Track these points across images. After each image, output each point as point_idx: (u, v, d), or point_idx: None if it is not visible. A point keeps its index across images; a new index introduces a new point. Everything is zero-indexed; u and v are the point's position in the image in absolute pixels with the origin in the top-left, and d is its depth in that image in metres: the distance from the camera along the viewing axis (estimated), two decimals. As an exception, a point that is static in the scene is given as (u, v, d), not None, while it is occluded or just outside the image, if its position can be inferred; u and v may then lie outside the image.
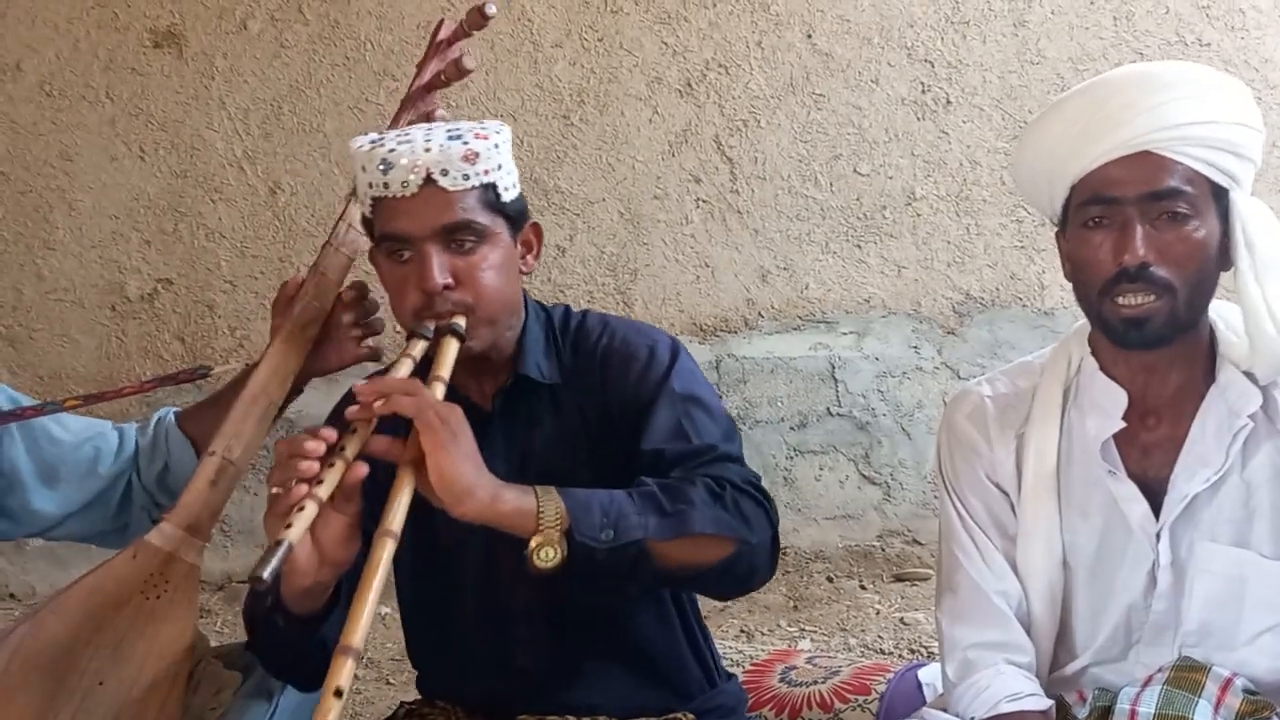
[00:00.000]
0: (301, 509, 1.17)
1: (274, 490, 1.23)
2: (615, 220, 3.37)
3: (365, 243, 1.51)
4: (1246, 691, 1.31)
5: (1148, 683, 1.31)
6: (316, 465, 1.20)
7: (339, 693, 1.07)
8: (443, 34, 1.59)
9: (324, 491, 1.19)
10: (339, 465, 1.21)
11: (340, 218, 1.57)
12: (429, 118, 1.54)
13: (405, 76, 3.28)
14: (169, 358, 3.33)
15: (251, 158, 3.32)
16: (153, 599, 1.39)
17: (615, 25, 3.32)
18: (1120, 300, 1.28)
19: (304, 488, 1.20)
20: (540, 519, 1.24)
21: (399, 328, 1.44)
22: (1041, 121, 1.39)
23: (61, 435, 1.60)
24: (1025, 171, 1.43)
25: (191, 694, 1.48)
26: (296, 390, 1.56)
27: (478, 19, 1.53)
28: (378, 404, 1.24)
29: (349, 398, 1.49)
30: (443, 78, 1.57)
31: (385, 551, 1.17)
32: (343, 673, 1.09)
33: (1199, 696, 1.27)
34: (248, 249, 3.34)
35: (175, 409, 1.68)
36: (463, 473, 1.22)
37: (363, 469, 1.23)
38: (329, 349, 1.56)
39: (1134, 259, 1.26)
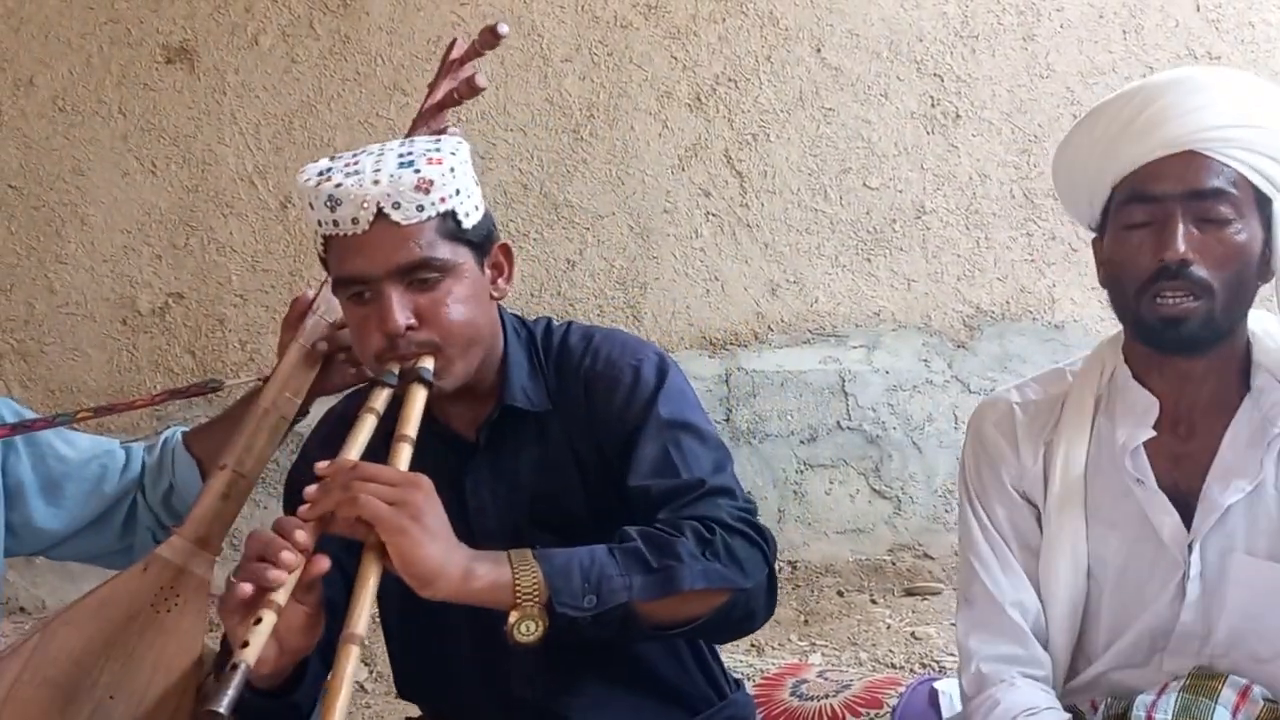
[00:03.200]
0: (259, 621, 1.11)
1: (236, 583, 1.16)
2: (625, 234, 3.38)
3: None
4: (1266, 700, 1.29)
5: (1163, 689, 1.30)
6: (284, 575, 1.14)
7: None
8: (455, 53, 1.59)
9: (282, 597, 1.13)
10: (297, 564, 1.15)
11: None
12: (440, 135, 1.54)
13: (416, 91, 3.31)
14: (180, 371, 3.33)
15: (262, 172, 3.33)
16: (163, 612, 1.39)
17: (625, 40, 3.33)
18: (1158, 300, 1.26)
19: (262, 594, 1.14)
20: (517, 592, 1.17)
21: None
22: (1083, 124, 1.36)
23: (68, 452, 1.59)
24: (1065, 175, 1.40)
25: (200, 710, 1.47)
26: (304, 410, 1.56)
27: (490, 38, 1.53)
28: (326, 506, 1.17)
29: (331, 428, 1.46)
30: (455, 96, 1.58)
31: (351, 661, 1.09)
32: None
33: (1216, 702, 1.26)
34: (258, 263, 3.35)
35: (183, 428, 1.68)
36: (427, 555, 1.14)
37: (323, 563, 1.17)
38: (334, 368, 1.55)
39: (1175, 255, 1.24)
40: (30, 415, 1.56)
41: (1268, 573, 1.30)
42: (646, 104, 3.35)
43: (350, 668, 1.09)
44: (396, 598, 1.37)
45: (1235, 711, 1.26)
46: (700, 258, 3.40)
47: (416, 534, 1.14)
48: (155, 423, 3.17)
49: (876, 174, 3.40)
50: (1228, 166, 1.26)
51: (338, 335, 1.52)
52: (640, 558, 1.21)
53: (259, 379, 1.55)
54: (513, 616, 1.17)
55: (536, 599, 1.17)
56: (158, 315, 3.34)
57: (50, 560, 2.57)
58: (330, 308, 1.53)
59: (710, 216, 3.40)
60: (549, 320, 1.47)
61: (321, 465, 1.21)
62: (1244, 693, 1.28)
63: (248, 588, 1.14)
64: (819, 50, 3.37)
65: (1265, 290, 1.33)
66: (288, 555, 1.14)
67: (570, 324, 1.46)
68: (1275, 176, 1.28)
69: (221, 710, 1.05)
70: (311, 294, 1.54)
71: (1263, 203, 1.29)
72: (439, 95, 1.57)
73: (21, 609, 3.30)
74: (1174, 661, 1.34)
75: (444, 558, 1.16)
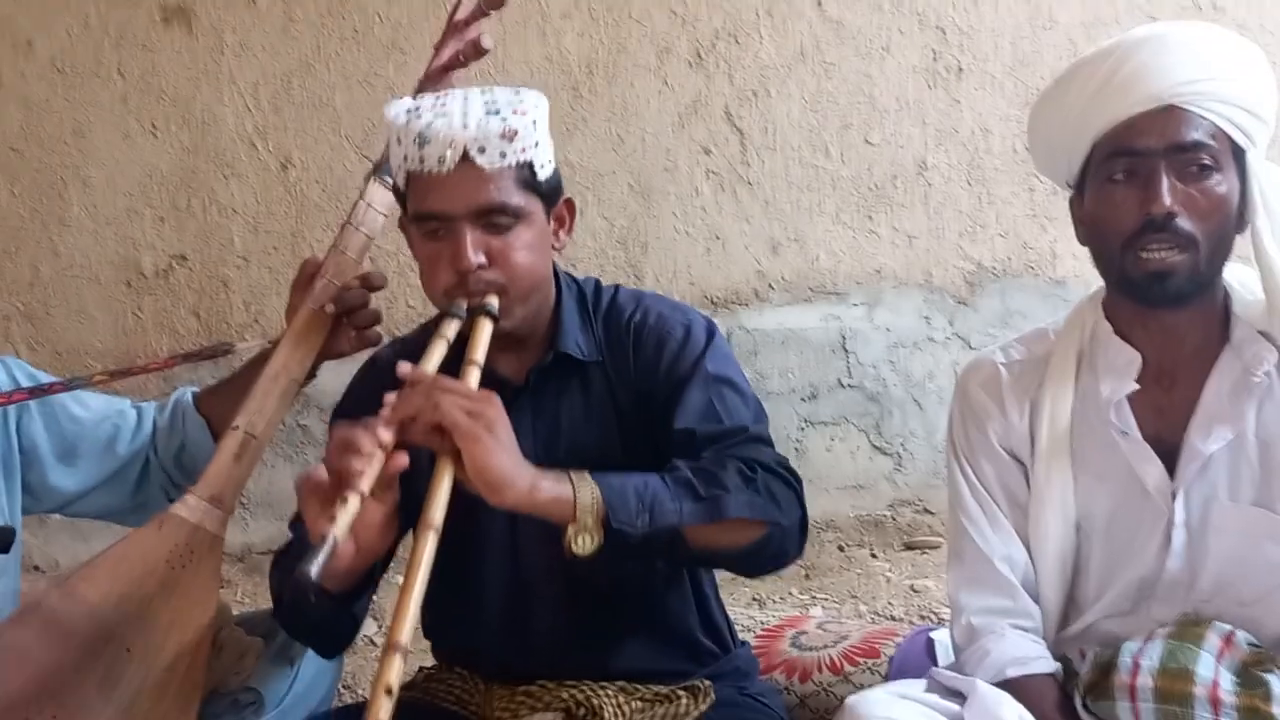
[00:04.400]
0: (345, 502, 1.16)
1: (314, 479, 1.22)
2: (625, 193, 3.38)
3: (384, 222, 1.52)
4: (1250, 644, 1.32)
5: (1150, 637, 1.33)
6: (364, 465, 1.19)
7: (389, 691, 1.06)
8: (460, 14, 1.59)
9: (365, 484, 1.18)
10: (378, 456, 1.20)
11: (360, 197, 1.58)
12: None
13: (414, 49, 3.29)
14: (185, 333, 3.35)
15: (262, 133, 3.32)
16: (178, 569, 1.42)
17: (624, -4, 3.31)
18: (1144, 254, 1.29)
19: (347, 481, 1.19)
20: (577, 507, 1.25)
21: (412, 307, 1.43)
22: (1059, 84, 1.39)
23: (81, 413, 1.61)
24: (1042, 135, 1.43)
25: (214, 659, 1.51)
26: (311, 373, 1.58)
27: (495, -1, 1.53)
28: (408, 410, 1.23)
29: (378, 371, 1.50)
30: (461, 58, 1.58)
31: (428, 545, 1.16)
32: (392, 670, 1.07)
33: (1201, 649, 1.29)
34: (260, 224, 3.35)
35: (194, 389, 1.70)
36: (499, 464, 1.22)
37: (403, 459, 1.23)
38: (341, 333, 1.57)
39: (1161, 208, 1.27)
40: (46, 379, 1.59)
41: (1251, 517, 1.33)
42: (646, 61, 3.34)
43: (429, 551, 1.16)
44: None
45: (1220, 656, 1.29)
46: (701, 216, 3.40)
47: (490, 444, 1.22)
48: (161, 383, 3.20)
49: (878, 130, 3.39)
50: (1205, 119, 1.29)
51: (345, 297, 1.54)
52: (690, 486, 1.31)
53: (268, 342, 1.57)
54: (571, 529, 1.25)
55: (594, 513, 1.25)
56: (161, 277, 3.35)
57: (63, 519, 2.61)
58: (338, 271, 1.55)
59: (711, 174, 3.39)
60: (597, 280, 1.55)
61: (404, 368, 1.27)
62: (1228, 638, 1.31)
63: (325, 473, 1.20)
64: (820, 4, 3.34)
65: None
66: (369, 443, 1.20)
67: (618, 286, 1.54)
68: (1249, 128, 1.32)
69: (312, 572, 1.09)
70: (320, 257, 1.55)
71: (1238, 154, 1.32)
72: (445, 57, 1.57)
73: (36, 567, 3.35)
74: (1161, 609, 1.37)
75: (514, 469, 1.24)
